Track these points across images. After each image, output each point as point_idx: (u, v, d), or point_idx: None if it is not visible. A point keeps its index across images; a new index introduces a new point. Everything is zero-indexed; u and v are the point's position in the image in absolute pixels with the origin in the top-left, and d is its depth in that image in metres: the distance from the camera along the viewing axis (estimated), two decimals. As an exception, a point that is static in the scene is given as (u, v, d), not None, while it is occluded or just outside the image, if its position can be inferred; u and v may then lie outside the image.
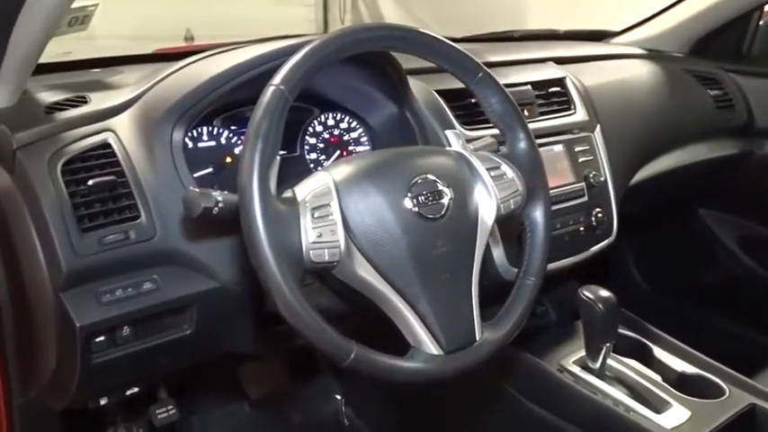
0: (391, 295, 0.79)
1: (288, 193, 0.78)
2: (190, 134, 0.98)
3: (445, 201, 0.83)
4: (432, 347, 0.80)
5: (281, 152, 0.88)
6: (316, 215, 0.75)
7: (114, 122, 0.92)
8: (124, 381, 0.96)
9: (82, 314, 0.81)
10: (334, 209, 0.77)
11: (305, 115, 1.14)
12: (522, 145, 0.93)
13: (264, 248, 0.71)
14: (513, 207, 0.90)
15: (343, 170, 0.81)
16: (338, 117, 1.16)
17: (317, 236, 0.75)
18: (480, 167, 0.89)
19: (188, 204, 0.77)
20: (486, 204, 0.87)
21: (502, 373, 1.21)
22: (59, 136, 0.87)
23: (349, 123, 1.17)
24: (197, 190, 0.77)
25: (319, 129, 1.14)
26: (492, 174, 0.89)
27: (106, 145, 0.89)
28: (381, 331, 0.82)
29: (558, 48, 1.61)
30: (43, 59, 0.91)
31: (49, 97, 0.96)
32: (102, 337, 0.85)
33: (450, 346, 0.81)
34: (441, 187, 0.83)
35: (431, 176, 0.83)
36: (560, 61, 1.44)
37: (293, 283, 0.72)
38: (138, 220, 0.86)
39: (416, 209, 0.81)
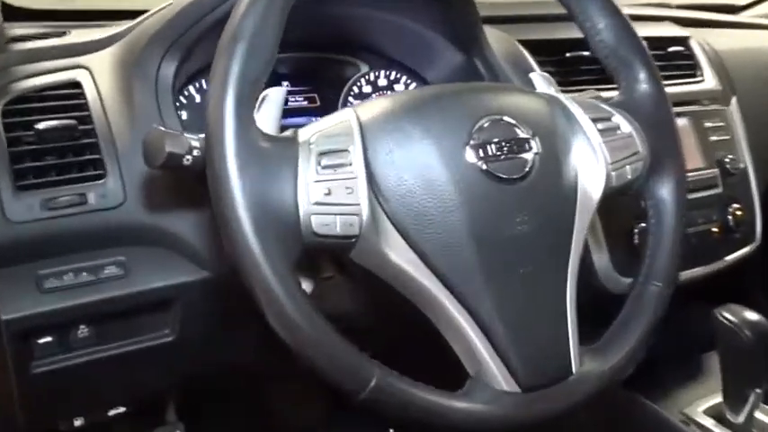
0: (440, 295, 0.52)
1: (286, 133, 0.53)
2: (184, 78, 0.74)
3: (528, 156, 0.55)
4: (502, 380, 0.52)
5: (317, 116, 0.63)
6: (323, 163, 0.49)
7: (92, 59, 0.71)
8: (94, 399, 0.73)
9: (11, 303, 0.59)
10: (354, 157, 0.50)
11: (349, 71, 0.89)
12: (645, 88, 0.64)
13: (235, 203, 0.46)
14: (629, 176, 0.61)
15: (374, 106, 0.55)
16: (391, 75, 0.90)
17: (324, 193, 0.49)
18: (582, 116, 0.60)
19: (148, 148, 0.54)
20: (591, 169, 0.59)
21: (604, 422, 0.90)
22: (11, 69, 0.66)
23: (406, 84, 0.91)
24: (162, 128, 0.53)
25: (367, 89, 0.89)
26: (600, 126, 0.60)
27: (74, 84, 0.67)
28: (422, 353, 0.54)
29: (676, 12, 1.29)
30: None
31: (20, 30, 0.76)
32: (48, 338, 0.62)
33: (533, 380, 0.53)
34: (522, 134, 0.56)
35: (507, 118, 0.56)
36: (681, 22, 1.13)
37: (280, 263, 0.46)
38: (102, 180, 0.63)
39: (483, 164, 0.53)
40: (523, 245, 0.54)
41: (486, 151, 0.54)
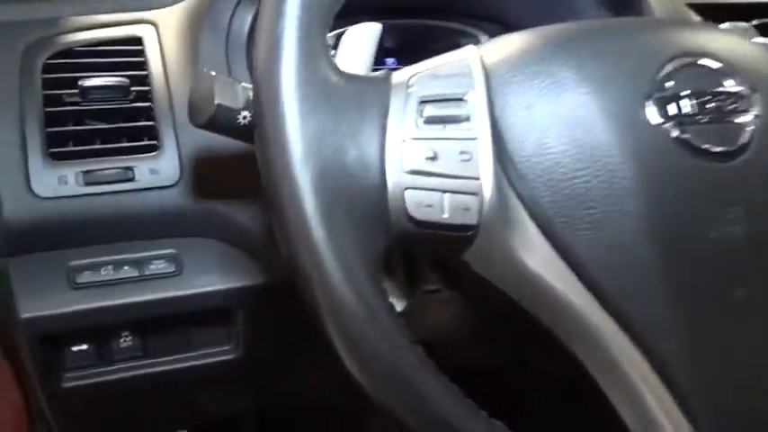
0: (599, 323, 0.34)
1: (376, 73, 0.37)
2: None
3: (746, 119, 0.36)
4: None
5: None
6: (427, 113, 0.33)
7: (160, 14, 0.59)
8: (142, 422, 0.60)
9: (33, 300, 0.47)
10: (474, 109, 0.34)
11: (466, 44, 0.72)
12: None
13: (290, 161, 0.30)
14: None
15: (506, 43, 0.38)
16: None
17: (427, 157, 0.32)
18: None
19: (193, 99, 0.40)
20: None
21: None
22: (61, 19, 0.55)
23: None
24: (213, 73, 0.39)
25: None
26: None
27: (135, 40, 0.55)
28: (560, 405, 0.36)
29: None
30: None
31: None
32: (83, 346, 0.50)
33: None
34: (734, 87, 0.36)
35: (710, 62, 0.37)
36: None
37: (357, 261, 0.30)
38: (155, 153, 0.50)
39: (674, 129, 0.35)
40: (736, 255, 0.35)
41: (678, 109, 0.35)
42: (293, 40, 0.31)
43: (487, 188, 0.32)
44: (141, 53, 0.54)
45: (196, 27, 0.56)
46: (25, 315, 0.46)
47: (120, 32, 0.56)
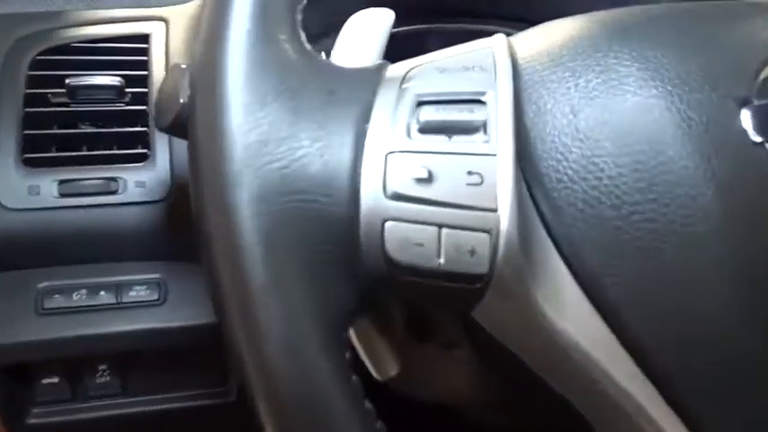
0: (661, 419, 0.24)
1: (370, 64, 0.28)
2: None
3: None
4: None
5: None
6: (425, 118, 0.24)
7: (173, 11, 0.53)
8: None
9: None
10: (494, 114, 0.25)
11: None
12: None
13: (223, 176, 0.22)
14: None
15: (548, 31, 0.29)
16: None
17: (418, 178, 0.23)
18: None
19: (159, 97, 0.33)
20: None
21: None
22: (62, 13, 0.50)
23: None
24: (184, 66, 0.32)
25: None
26: None
27: (141, 37, 0.50)
28: None
29: None
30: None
31: None
32: (54, 379, 0.44)
33: None
34: None
35: None
36: None
37: (313, 330, 0.22)
38: (143, 163, 0.44)
39: None
40: None
41: None
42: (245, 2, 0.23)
43: (506, 224, 0.23)
44: (145, 51, 0.48)
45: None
46: None
47: (126, 29, 0.50)
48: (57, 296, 0.42)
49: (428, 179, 0.23)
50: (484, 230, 0.23)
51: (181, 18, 0.52)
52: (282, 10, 0.25)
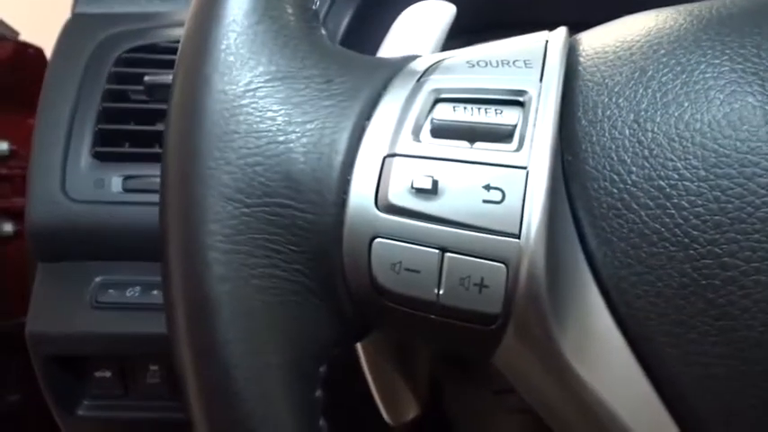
0: None
1: (397, 55, 0.24)
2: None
3: None
4: None
5: None
6: (440, 116, 0.20)
7: None
8: None
9: (47, 314, 0.42)
10: (532, 116, 0.20)
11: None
12: None
13: (189, 155, 0.20)
14: None
15: (618, 27, 0.23)
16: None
17: (424, 188, 0.19)
18: None
19: None
20: None
21: None
22: (156, 15, 0.51)
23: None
24: None
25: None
26: None
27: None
28: None
29: None
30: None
31: None
32: (105, 373, 0.44)
33: None
34: None
35: None
36: None
37: (277, 371, 0.18)
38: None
39: None
40: None
41: None
42: None
43: (530, 255, 0.18)
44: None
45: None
46: (32, 329, 0.41)
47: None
48: (111, 291, 0.42)
49: (432, 190, 0.19)
50: (499, 260, 0.19)
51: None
52: None
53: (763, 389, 0.18)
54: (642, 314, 0.19)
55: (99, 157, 0.43)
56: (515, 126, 0.20)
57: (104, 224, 0.42)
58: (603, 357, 0.19)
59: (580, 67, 0.22)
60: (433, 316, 0.19)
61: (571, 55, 0.22)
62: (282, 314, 0.18)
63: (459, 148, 0.19)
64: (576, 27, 0.46)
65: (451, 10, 0.30)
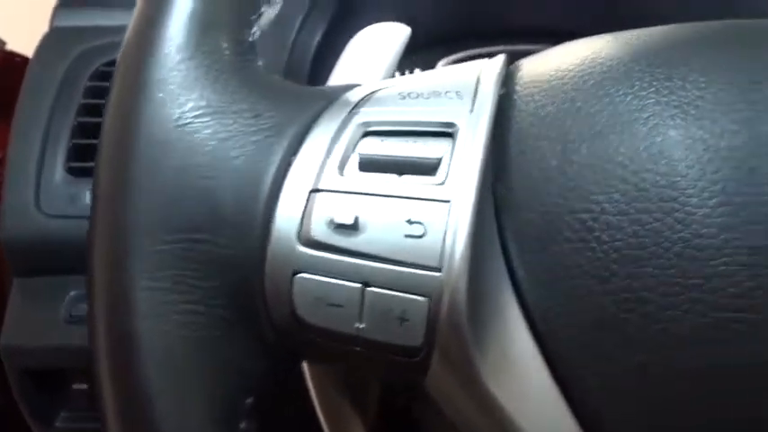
0: None
1: (336, 85, 0.24)
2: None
3: None
4: None
5: None
6: (367, 151, 0.20)
7: None
8: None
9: (21, 328, 0.42)
10: (460, 148, 0.20)
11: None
12: None
13: (118, 206, 0.20)
14: None
15: (558, 55, 0.23)
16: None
17: (344, 224, 0.19)
18: None
19: None
20: None
21: None
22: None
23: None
24: None
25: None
26: None
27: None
28: None
29: None
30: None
31: None
32: (83, 385, 0.45)
33: None
34: None
35: None
36: None
37: (199, 406, 0.19)
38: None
39: None
40: None
41: None
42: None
43: (451, 288, 0.19)
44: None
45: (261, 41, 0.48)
46: (6, 343, 0.41)
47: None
48: (82, 305, 0.42)
49: (353, 226, 0.19)
50: (420, 294, 0.19)
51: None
52: (227, 16, 0.22)
53: (677, 423, 0.18)
54: (565, 344, 0.19)
55: (73, 172, 0.43)
56: (441, 159, 0.20)
57: (78, 238, 0.42)
58: (525, 386, 0.19)
59: (516, 96, 0.22)
60: (357, 348, 0.19)
61: (508, 83, 0.22)
62: (204, 349, 0.19)
63: (383, 182, 0.20)
64: (551, 35, 0.46)
65: (405, 32, 0.30)
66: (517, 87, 0.22)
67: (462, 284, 0.18)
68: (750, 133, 0.18)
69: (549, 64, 0.23)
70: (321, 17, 0.47)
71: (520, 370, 0.19)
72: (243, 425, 0.19)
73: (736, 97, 0.19)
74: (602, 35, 0.24)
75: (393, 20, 0.38)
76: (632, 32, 0.23)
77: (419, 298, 0.19)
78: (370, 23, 0.37)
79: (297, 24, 0.47)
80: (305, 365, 0.27)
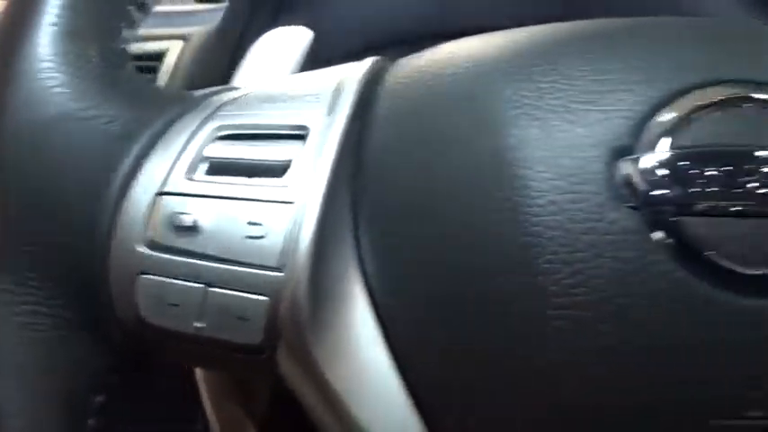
0: None
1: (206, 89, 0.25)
2: None
3: None
4: None
5: None
6: (217, 154, 0.21)
7: (196, 29, 0.54)
8: None
9: None
10: (311, 151, 0.20)
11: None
12: None
13: None
14: None
15: (433, 55, 0.24)
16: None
17: (184, 225, 0.20)
18: None
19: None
20: None
21: None
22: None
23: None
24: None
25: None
26: None
27: (155, 56, 0.51)
28: None
29: None
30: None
31: None
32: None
33: None
34: None
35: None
36: None
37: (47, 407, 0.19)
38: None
39: (662, 224, 0.17)
40: None
41: (681, 182, 0.18)
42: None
43: (292, 288, 0.19)
44: (153, 70, 0.49)
45: (209, 46, 0.49)
46: None
47: (148, 47, 0.52)
48: None
49: (193, 228, 0.19)
50: (260, 293, 0.19)
51: (195, 37, 0.52)
52: (94, 23, 0.22)
53: (495, 404, 0.18)
54: (405, 329, 0.19)
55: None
56: (290, 161, 0.20)
57: None
58: (365, 375, 0.19)
59: (381, 97, 0.22)
60: (201, 347, 0.20)
61: (377, 85, 0.23)
62: (48, 348, 0.19)
63: (230, 185, 0.20)
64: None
65: (308, 36, 0.30)
66: (384, 88, 0.22)
67: (303, 284, 0.19)
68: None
69: (420, 63, 0.23)
70: (265, 21, 0.48)
71: (363, 360, 0.19)
72: (91, 421, 0.20)
73: (580, 106, 0.19)
74: (486, 34, 0.24)
75: (332, 21, 0.38)
76: (509, 33, 0.23)
77: (259, 297, 0.19)
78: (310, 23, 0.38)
79: (240, 28, 0.48)
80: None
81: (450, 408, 0.19)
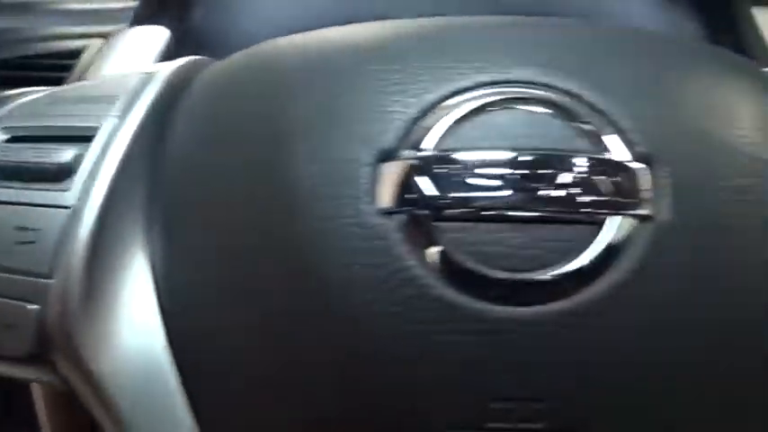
0: None
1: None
2: None
3: (613, 224, 0.17)
4: None
5: None
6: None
7: (119, 27, 0.53)
8: None
9: None
10: (94, 156, 0.20)
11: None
12: None
13: None
14: None
15: (257, 52, 0.23)
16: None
17: None
18: None
19: None
20: None
21: None
22: (8, 32, 0.52)
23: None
24: None
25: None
26: None
27: (72, 53, 0.50)
28: None
29: None
30: None
31: None
32: None
33: None
34: (608, 153, 0.17)
35: (554, 98, 0.18)
36: None
37: None
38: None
39: (420, 227, 0.17)
40: None
41: (437, 185, 0.17)
42: None
43: (61, 293, 0.19)
44: (68, 68, 0.49)
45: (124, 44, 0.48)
46: None
47: (66, 45, 0.51)
48: None
49: None
50: (29, 301, 0.19)
51: (118, 32, 0.51)
52: None
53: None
54: (182, 318, 0.19)
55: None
56: (71, 164, 0.20)
57: None
58: (138, 371, 0.19)
59: (190, 96, 0.22)
60: None
61: (189, 83, 0.22)
62: None
63: (3, 188, 0.20)
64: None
65: (165, 35, 0.30)
66: (194, 87, 0.22)
67: (75, 290, 0.19)
68: None
69: (222, 65, 0.22)
70: (173, 18, 0.47)
71: (134, 348, 0.19)
72: None
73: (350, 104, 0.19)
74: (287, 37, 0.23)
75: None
76: (315, 33, 0.22)
77: (26, 305, 0.19)
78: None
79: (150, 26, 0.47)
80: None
81: (216, 392, 0.18)
